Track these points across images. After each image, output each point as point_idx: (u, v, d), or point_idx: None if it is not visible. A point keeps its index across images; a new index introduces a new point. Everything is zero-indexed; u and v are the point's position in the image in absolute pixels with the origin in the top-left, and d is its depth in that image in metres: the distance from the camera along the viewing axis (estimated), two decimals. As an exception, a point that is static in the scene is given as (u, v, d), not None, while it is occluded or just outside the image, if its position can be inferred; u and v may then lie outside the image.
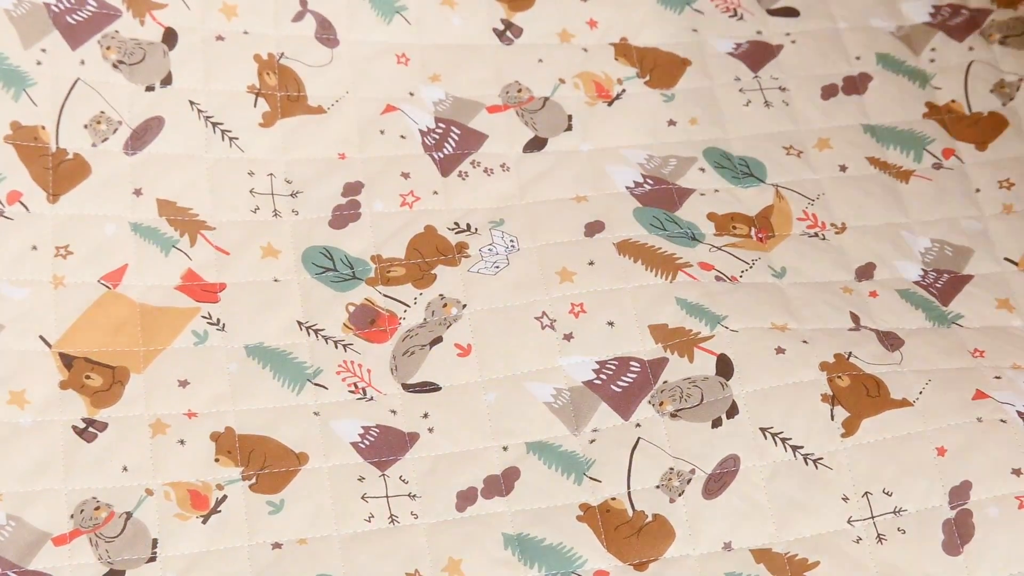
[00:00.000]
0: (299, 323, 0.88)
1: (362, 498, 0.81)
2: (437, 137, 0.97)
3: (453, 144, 0.96)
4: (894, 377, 0.86)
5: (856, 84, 1.02)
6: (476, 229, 0.93)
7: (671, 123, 1.00)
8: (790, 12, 1.05)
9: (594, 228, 0.93)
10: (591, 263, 0.91)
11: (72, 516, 0.78)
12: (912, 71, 1.03)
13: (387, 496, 0.82)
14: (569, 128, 0.99)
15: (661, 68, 1.02)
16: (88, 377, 0.83)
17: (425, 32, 1.01)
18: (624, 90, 1.01)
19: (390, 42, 1.00)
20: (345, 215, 0.92)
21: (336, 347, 0.87)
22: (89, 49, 0.93)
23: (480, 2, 1.02)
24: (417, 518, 0.81)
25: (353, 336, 0.88)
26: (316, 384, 0.85)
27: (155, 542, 0.78)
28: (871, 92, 1.01)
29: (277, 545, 0.79)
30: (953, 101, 1.02)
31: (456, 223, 0.93)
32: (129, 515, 0.79)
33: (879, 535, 0.81)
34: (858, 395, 0.85)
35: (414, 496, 0.82)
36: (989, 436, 0.83)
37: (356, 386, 0.86)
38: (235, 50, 0.96)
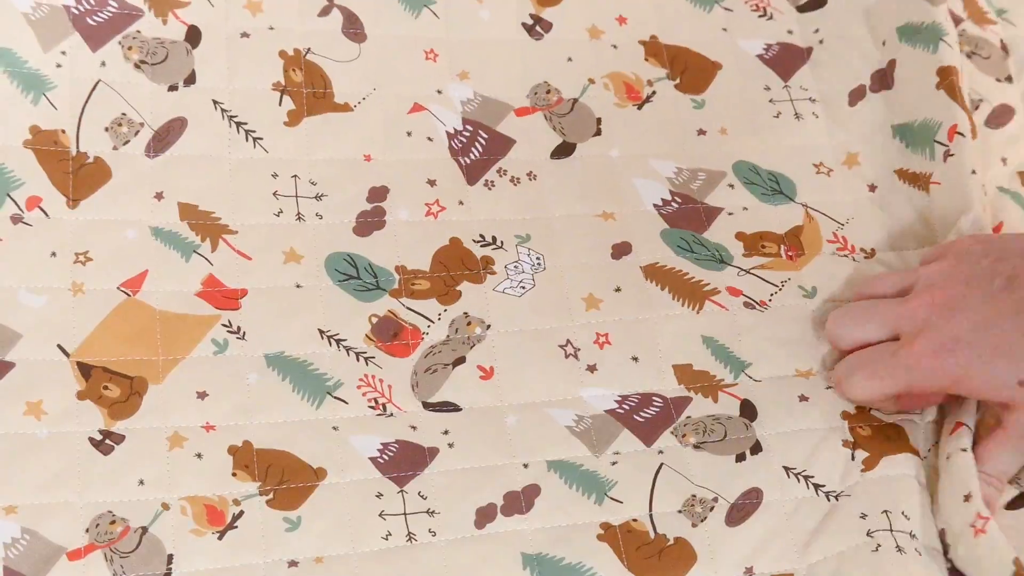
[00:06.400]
0: (320, 331, 0.86)
1: (380, 515, 0.80)
2: (464, 141, 0.95)
3: (480, 149, 0.95)
4: (912, 427, 0.86)
5: (885, 77, 0.98)
6: (502, 243, 0.91)
7: (701, 132, 0.98)
8: (818, 3, 1.03)
9: (621, 250, 0.91)
10: (618, 289, 0.89)
11: (87, 530, 0.77)
12: (928, 31, 0.97)
13: (405, 513, 0.80)
14: (598, 133, 0.97)
15: (692, 71, 1.01)
16: (106, 388, 0.81)
17: (453, 26, 0.99)
18: (654, 91, 0.99)
19: (418, 36, 0.98)
20: (370, 222, 0.91)
21: (358, 359, 0.85)
22: (110, 50, 0.92)
23: None
24: (435, 535, 0.80)
25: (375, 348, 0.86)
26: (336, 398, 0.84)
27: (170, 558, 0.77)
28: (898, 81, 0.97)
29: (293, 563, 0.78)
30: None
31: (482, 235, 0.91)
32: (144, 530, 0.78)
33: (898, 547, 0.79)
34: (879, 440, 0.84)
35: (432, 512, 0.80)
36: None
37: (376, 402, 0.84)
38: (260, 47, 0.95)
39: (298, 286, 0.87)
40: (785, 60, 1.01)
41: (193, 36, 0.93)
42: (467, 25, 0.99)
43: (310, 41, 0.96)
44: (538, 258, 0.90)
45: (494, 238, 0.91)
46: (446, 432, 0.83)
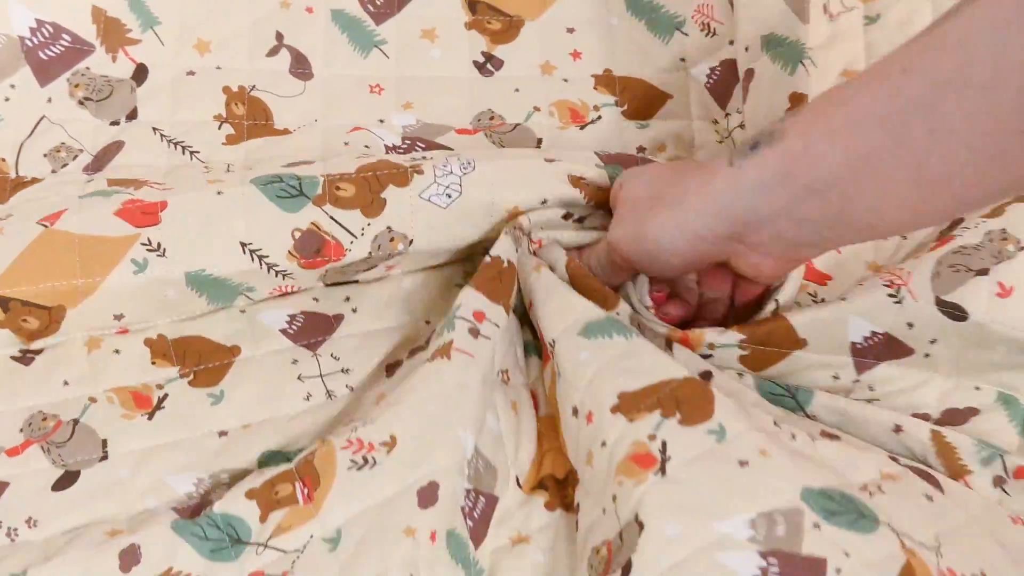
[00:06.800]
0: (243, 244, 0.82)
1: (298, 378, 0.83)
2: (402, 151, 0.94)
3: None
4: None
5: (742, 90, 0.92)
6: (432, 158, 0.87)
7: (640, 149, 0.97)
8: None
9: (554, 158, 0.88)
10: (544, 201, 0.86)
11: (21, 430, 0.80)
12: (791, 48, 0.88)
13: (321, 375, 0.83)
14: (537, 147, 0.96)
15: (640, 100, 0.99)
16: (25, 320, 0.82)
17: (403, 65, 0.99)
18: (600, 116, 0.98)
19: (366, 75, 0.98)
20: (299, 164, 0.88)
21: (276, 276, 0.84)
22: (58, 87, 0.94)
23: (462, 34, 1.01)
24: (352, 390, 0.83)
25: (297, 266, 0.83)
26: (246, 296, 0.86)
27: (105, 442, 0.80)
28: (751, 96, 0.91)
29: (223, 433, 0.80)
30: None
31: (413, 159, 0.88)
32: (76, 421, 0.80)
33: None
34: None
35: (347, 371, 0.84)
36: None
37: (282, 289, 0.86)
38: (205, 83, 0.96)
39: (219, 193, 0.83)
40: (724, 83, 0.98)
41: (140, 74, 0.95)
42: (417, 63, 0.99)
43: (255, 79, 0.97)
44: (468, 161, 0.86)
45: (424, 156, 0.88)
46: (347, 299, 0.87)
